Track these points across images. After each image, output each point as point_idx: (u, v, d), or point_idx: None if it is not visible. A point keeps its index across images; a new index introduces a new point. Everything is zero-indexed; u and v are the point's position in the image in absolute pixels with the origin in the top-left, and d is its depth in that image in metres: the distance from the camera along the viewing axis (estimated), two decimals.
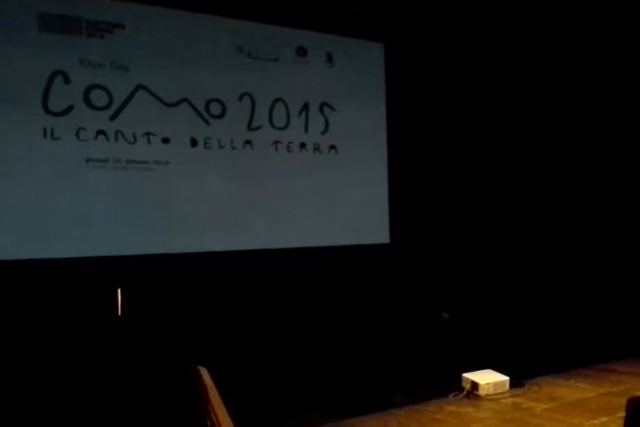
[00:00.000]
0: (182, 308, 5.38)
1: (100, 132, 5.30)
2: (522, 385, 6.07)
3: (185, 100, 5.66)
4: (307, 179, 6.34)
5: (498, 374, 6.04)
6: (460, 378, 5.99)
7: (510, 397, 5.81)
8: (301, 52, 6.29)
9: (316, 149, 6.45)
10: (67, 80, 5.16)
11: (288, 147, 6.26)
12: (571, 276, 7.41)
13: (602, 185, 7.77)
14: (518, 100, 7.39)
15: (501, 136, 7.37)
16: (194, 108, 5.71)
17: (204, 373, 3.46)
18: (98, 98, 5.29)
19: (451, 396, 5.78)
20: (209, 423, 3.31)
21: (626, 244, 7.66)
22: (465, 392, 5.83)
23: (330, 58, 6.46)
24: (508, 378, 6.00)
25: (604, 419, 5.05)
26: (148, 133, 5.48)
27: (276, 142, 6.18)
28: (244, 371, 5.17)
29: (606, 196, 7.73)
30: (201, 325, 5.34)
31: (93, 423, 4.60)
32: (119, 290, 5.25)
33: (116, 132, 5.36)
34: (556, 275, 7.39)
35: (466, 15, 6.74)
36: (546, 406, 5.50)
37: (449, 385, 5.95)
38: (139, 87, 5.46)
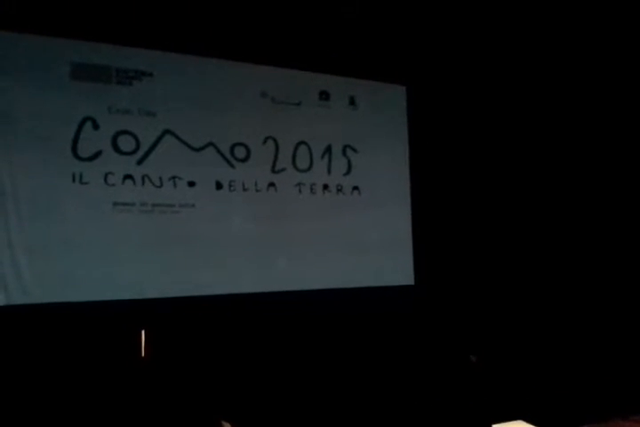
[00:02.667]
0: (206, 351, 5.33)
1: (128, 176, 5.40)
2: None
3: (210, 144, 5.76)
4: (330, 220, 6.34)
5: (529, 425, 5.84)
6: None
7: None
8: (324, 95, 6.39)
9: (339, 190, 6.47)
10: (95, 126, 5.30)
11: (311, 188, 6.30)
12: (611, 317, 7.22)
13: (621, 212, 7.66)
14: (536, 140, 7.38)
15: (522, 176, 7.33)
16: (219, 151, 5.81)
17: None
18: (125, 143, 5.42)
19: None
20: None
21: None
22: None
23: (352, 101, 6.55)
24: None
25: None
26: (174, 177, 5.57)
27: (299, 184, 6.23)
28: (271, 422, 5.08)
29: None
30: (225, 370, 5.28)
31: None
32: (143, 332, 5.24)
33: (143, 177, 5.45)
34: (593, 316, 7.20)
35: (486, 58, 6.81)
36: None
37: None
38: (165, 132, 5.58)
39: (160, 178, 5.52)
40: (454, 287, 6.88)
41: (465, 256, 7.00)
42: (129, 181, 5.40)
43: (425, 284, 6.73)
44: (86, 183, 5.23)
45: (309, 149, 6.29)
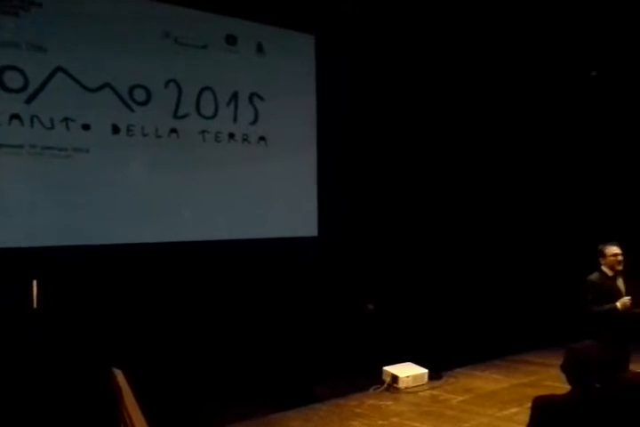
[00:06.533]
0: (101, 302, 5.18)
1: (15, 116, 4.99)
2: (440, 377, 6.26)
3: (107, 85, 5.42)
4: (235, 170, 6.22)
5: (417, 366, 6.19)
6: (382, 371, 6.10)
7: (428, 389, 5.98)
8: (231, 40, 6.14)
9: (245, 139, 6.34)
10: None
11: (216, 137, 6.13)
12: (486, 271, 7.68)
13: (514, 184, 8.08)
14: (443, 94, 7.53)
15: (431, 128, 7.50)
16: (116, 93, 5.48)
17: (120, 375, 3.35)
18: (12, 79, 4.98)
19: (372, 389, 5.88)
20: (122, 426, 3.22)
21: (537, 241, 8.01)
22: (385, 385, 5.95)
23: (260, 47, 6.34)
24: (426, 371, 6.17)
25: (514, 409, 5.27)
26: (66, 119, 5.22)
27: (203, 132, 6.03)
28: (166, 369, 5.06)
29: (519, 195, 8.05)
30: (121, 319, 5.17)
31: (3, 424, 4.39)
32: (34, 282, 5.01)
33: (32, 117, 5.07)
34: (473, 270, 7.64)
35: (394, 9, 6.76)
36: (461, 398, 5.69)
37: (371, 378, 6.05)
38: (57, 70, 5.18)
39: (51, 119, 5.15)
40: (355, 239, 7.02)
41: (367, 209, 7.14)
42: (16, 122, 5.00)
43: (328, 235, 6.82)
44: None
45: (214, 94, 6.08)
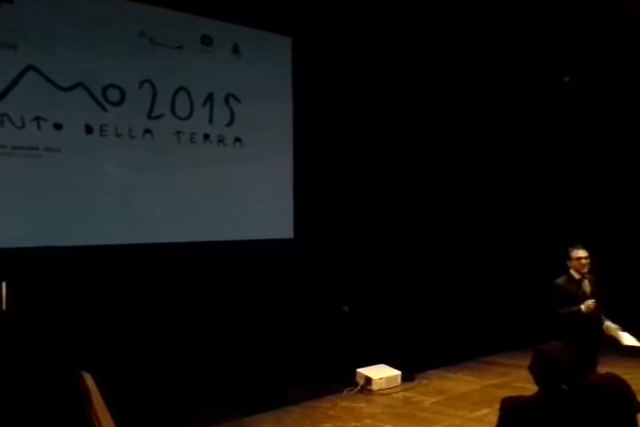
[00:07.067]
0: (72, 304, 5.10)
1: None
2: (413, 379, 6.29)
3: (80, 84, 5.35)
4: (210, 171, 6.18)
5: (390, 368, 6.22)
6: (355, 373, 6.11)
7: (401, 391, 6.01)
8: (207, 40, 6.11)
9: (221, 140, 6.31)
10: None
11: (191, 137, 6.09)
12: (458, 275, 7.76)
13: (484, 189, 8.18)
14: (420, 99, 7.59)
15: (404, 134, 7.54)
16: (90, 93, 5.41)
17: (88, 378, 3.30)
18: None
19: (345, 391, 5.89)
20: None
21: (507, 245, 8.11)
22: (359, 387, 5.96)
23: (236, 49, 6.32)
24: (399, 372, 6.20)
25: (485, 411, 5.32)
26: (38, 118, 5.14)
27: (178, 132, 5.99)
28: (136, 371, 5.00)
29: (488, 200, 8.15)
30: (91, 321, 5.09)
31: None
32: (4, 284, 4.93)
33: (2, 116, 4.97)
34: (446, 274, 7.71)
35: (371, 13, 6.79)
36: (434, 400, 5.73)
37: (345, 380, 6.06)
38: (28, 68, 5.09)
39: (22, 118, 5.07)
40: (331, 242, 7.03)
41: (343, 211, 7.15)
42: None
43: (304, 238, 6.81)
44: None
45: (190, 95, 6.04)
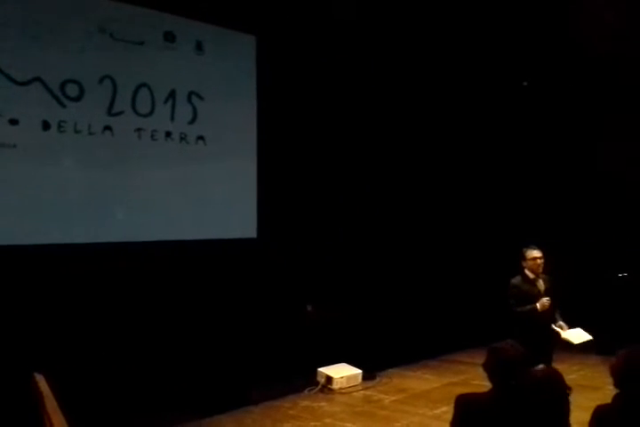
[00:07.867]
0: (24, 305, 4.97)
1: None
2: (374, 378, 6.33)
3: (37, 79, 5.23)
4: (172, 169, 6.11)
5: (351, 367, 6.25)
6: (316, 372, 6.12)
7: (362, 389, 6.04)
8: (169, 37, 6.04)
9: (183, 138, 6.24)
10: None
11: (152, 135, 6.00)
12: (418, 274, 7.85)
13: (439, 188, 8.30)
14: (386, 96, 7.65)
15: (370, 132, 7.59)
16: (47, 88, 5.29)
17: (41, 380, 3.23)
18: None
19: (306, 391, 5.90)
20: None
21: (465, 246, 8.25)
22: (320, 386, 5.98)
23: (200, 46, 6.26)
24: (360, 371, 6.23)
25: (444, 408, 5.37)
26: None
27: (139, 130, 5.90)
28: (90, 372, 4.90)
29: (443, 199, 8.28)
30: (44, 322, 4.98)
31: None
32: None
33: None
34: (406, 273, 7.79)
35: (336, 10, 6.81)
36: (394, 398, 5.78)
37: (306, 379, 6.06)
38: None
39: None
40: (294, 241, 7.02)
41: (306, 210, 7.15)
42: None
43: (267, 237, 6.79)
44: None
45: (151, 92, 5.95)
